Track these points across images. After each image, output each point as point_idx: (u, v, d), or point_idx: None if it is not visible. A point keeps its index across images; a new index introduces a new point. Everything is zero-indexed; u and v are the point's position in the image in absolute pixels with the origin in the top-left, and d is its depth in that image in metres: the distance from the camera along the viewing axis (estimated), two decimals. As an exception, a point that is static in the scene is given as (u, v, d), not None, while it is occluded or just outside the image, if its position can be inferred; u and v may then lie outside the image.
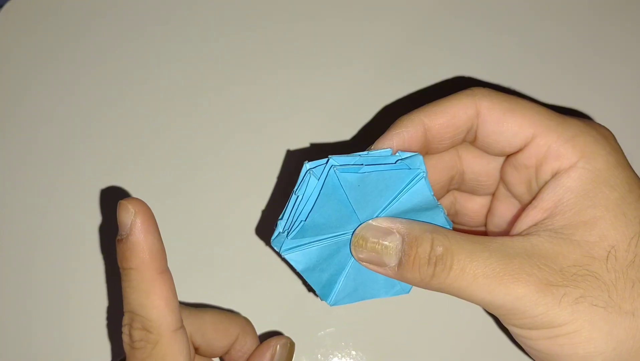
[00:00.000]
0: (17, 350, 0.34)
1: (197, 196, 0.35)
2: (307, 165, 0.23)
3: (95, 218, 0.35)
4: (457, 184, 0.28)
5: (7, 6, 0.40)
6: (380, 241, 0.24)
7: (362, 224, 0.24)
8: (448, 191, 0.29)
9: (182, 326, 0.24)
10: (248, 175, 0.35)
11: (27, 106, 0.38)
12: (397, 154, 0.24)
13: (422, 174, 0.24)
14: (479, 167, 0.27)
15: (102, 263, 0.34)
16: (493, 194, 0.28)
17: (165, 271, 0.24)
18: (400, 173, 0.23)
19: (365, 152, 0.24)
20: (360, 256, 0.24)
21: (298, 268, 0.24)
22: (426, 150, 0.26)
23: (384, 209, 0.24)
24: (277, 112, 0.36)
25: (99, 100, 0.37)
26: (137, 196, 0.25)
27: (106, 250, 0.34)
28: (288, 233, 0.23)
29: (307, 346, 0.33)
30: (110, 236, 0.35)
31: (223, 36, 0.38)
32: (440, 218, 0.25)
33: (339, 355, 0.33)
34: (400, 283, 0.26)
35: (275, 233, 0.24)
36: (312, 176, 0.23)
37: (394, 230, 0.24)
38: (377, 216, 0.24)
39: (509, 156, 0.26)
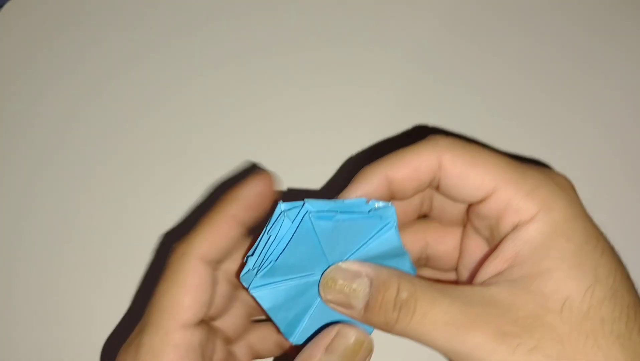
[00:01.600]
0: (18, 353, 0.34)
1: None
2: (282, 206, 0.24)
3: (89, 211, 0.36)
4: (427, 210, 0.29)
5: (7, 6, 0.40)
6: (349, 283, 0.24)
7: (331, 266, 0.25)
8: (418, 216, 0.29)
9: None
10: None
11: (27, 106, 0.38)
12: (370, 203, 0.25)
13: (392, 223, 0.24)
14: (446, 205, 0.28)
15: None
16: (463, 231, 0.29)
17: None
18: (372, 222, 0.24)
19: (340, 200, 0.24)
20: (329, 297, 0.25)
21: (265, 306, 0.24)
22: (391, 197, 0.26)
23: (352, 254, 0.25)
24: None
25: (99, 100, 0.38)
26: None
27: (108, 251, 0.35)
28: (258, 270, 0.24)
29: None
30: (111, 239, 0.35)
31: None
32: (406, 264, 0.26)
33: None
34: (363, 326, 0.26)
35: (245, 270, 0.24)
36: (286, 218, 0.23)
37: (363, 273, 0.24)
38: (346, 260, 0.25)
39: (472, 204, 0.27)
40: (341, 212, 0.24)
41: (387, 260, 0.25)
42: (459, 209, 0.28)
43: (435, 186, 0.26)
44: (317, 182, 0.36)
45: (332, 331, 0.25)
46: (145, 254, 0.35)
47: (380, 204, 0.24)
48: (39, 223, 0.36)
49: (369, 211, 0.24)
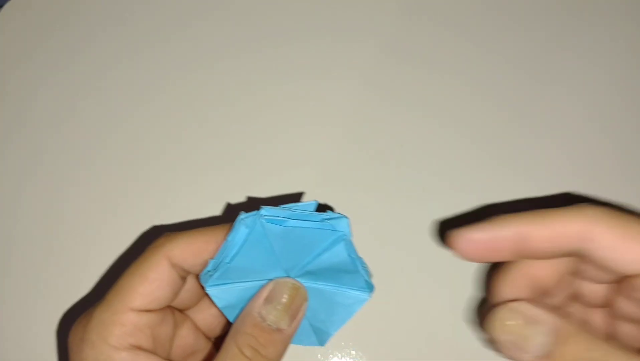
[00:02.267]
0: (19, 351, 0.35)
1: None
2: (241, 215, 0.25)
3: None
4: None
5: (7, 6, 0.41)
6: (526, 326, 0.23)
7: (508, 305, 0.23)
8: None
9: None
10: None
11: (27, 106, 0.39)
12: (327, 213, 0.25)
13: (342, 236, 0.25)
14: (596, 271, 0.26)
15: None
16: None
17: None
18: (323, 233, 0.25)
19: (294, 204, 0.26)
20: (502, 337, 0.23)
21: (219, 305, 0.26)
22: (519, 254, 0.24)
23: (306, 264, 0.26)
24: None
25: (100, 100, 0.39)
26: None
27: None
28: (214, 272, 0.25)
29: (306, 346, 0.33)
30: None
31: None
32: (360, 281, 0.26)
33: (339, 354, 0.34)
34: (317, 335, 0.28)
35: (204, 271, 0.26)
36: (242, 224, 0.25)
37: (540, 318, 0.23)
38: (299, 269, 0.26)
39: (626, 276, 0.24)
40: (293, 218, 0.25)
41: (341, 274, 0.26)
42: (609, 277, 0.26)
43: (580, 256, 0.24)
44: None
45: (269, 284, 0.26)
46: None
47: (335, 215, 0.25)
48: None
49: (322, 220, 0.25)
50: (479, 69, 0.39)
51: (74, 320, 0.26)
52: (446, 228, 0.37)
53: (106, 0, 0.41)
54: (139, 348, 0.25)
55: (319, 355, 0.34)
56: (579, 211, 0.24)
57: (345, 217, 0.25)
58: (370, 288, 0.27)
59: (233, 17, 0.40)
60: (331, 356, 0.34)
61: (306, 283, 0.27)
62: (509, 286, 0.25)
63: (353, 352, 0.34)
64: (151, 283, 0.26)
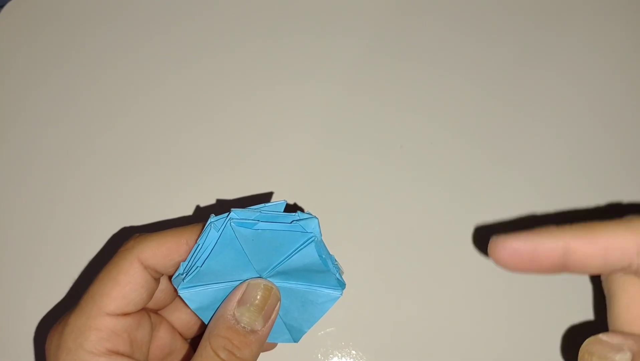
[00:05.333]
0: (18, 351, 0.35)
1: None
2: (211, 218, 0.25)
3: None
4: None
5: (8, 6, 0.41)
6: (610, 357, 0.22)
7: (590, 338, 0.23)
8: None
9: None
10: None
11: (28, 107, 0.39)
12: (296, 214, 0.25)
13: (312, 238, 0.25)
14: None
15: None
16: None
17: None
18: (293, 235, 0.25)
19: (263, 205, 0.25)
20: None
21: (192, 306, 0.26)
22: (562, 268, 0.23)
23: (277, 265, 0.26)
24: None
25: (100, 100, 0.39)
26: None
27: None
28: (186, 275, 0.25)
29: (307, 346, 0.34)
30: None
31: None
32: (331, 280, 0.26)
33: (339, 354, 0.34)
34: (290, 332, 0.28)
35: (176, 274, 0.26)
36: (212, 228, 0.25)
37: (625, 347, 0.22)
38: (271, 270, 0.26)
39: None
40: (264, 220, 0.25)
41: (312, 274, 0.26)
42: None
43: (634, 271, 0.23)
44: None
45: (242, 286, 0.26)
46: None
47: (305, 215, 0.25)
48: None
49: (292, 222, 0.25)
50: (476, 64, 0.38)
51: (50, 327, 0.26)
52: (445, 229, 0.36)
53: (106, 1, 0.41)
54: (117, 352, 0.25)
55: (319, 355, 0.34)
56: (629, 224, 0.22)
57: (315, 217, 0.25)
58: (342, 285, 0.27)
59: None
60: (331, 356, 0.34)
61: (278, 282, 0.27)
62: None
63: (353, 352, 0.34)
64: (124, 286, 0.26)
